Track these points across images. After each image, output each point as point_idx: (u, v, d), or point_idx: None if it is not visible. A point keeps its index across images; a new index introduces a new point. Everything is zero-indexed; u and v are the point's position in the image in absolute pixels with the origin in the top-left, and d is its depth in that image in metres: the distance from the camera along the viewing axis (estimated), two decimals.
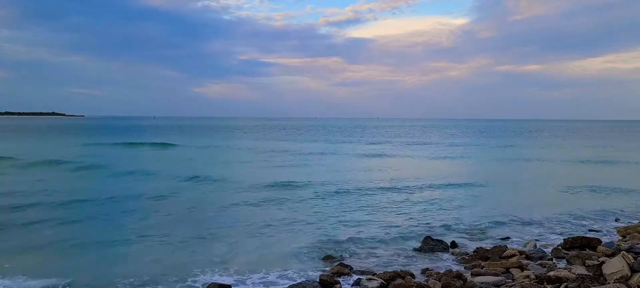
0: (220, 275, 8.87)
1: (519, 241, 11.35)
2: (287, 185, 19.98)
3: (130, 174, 23.64)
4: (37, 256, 9.88)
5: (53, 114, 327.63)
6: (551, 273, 7.99)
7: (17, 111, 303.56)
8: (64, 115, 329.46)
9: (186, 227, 12.42)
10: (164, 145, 45.99)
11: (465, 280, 8.08)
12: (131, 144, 46.99)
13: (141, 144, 47.20)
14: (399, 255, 10.26)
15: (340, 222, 13.22)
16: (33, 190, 17.82)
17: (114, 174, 23.82)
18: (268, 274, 8.93)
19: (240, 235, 11.70)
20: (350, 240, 11.31)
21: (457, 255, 10.14)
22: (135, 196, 16.92)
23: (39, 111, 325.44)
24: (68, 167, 26.51)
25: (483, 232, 12.26)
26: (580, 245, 10.04)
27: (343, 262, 9.51)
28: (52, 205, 14.98)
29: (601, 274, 8.03)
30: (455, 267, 9.18)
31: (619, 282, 7.42)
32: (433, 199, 16.98)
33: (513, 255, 9.38)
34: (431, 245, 10.64)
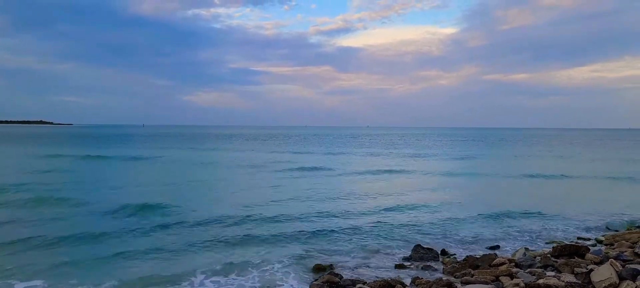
0: (208, 284, 8.81)
1: (509, 249, 11.39)
2: (275, 196, 19.90)
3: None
4: None
5: (40, 122, 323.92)
6: (540, 282, 8.02)
7: (3, 119, 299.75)
8: (51, 123, 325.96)
9: (169, 240, 12.27)
10: (135, 158, 39.92)
11: None
12: (97, 156, 40.56)
13: (101, 156, 40.63)
14: (389, 264, 10.24)
15: (330, 231, 13.16)
16: None
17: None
18: (257, 284, 8.87)
19: (228, 244, 11.60)
20: (340, 249, 11.27)
21: (447, 263, 10.13)
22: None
23: (25, 119, 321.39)
24: None
25: (473, 240, 12.29)
26: (568, 253, 10.09)
27: (333, 271, 9.47)
28: None
29: (590, 282, 8.08)
30: (445, 276, 9.17)
31: None
32: (423, 208, 17.00)
33: (502, 263, 9.41)
34: (421, 253, 10.64)
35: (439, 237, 12.63)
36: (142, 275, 9.23)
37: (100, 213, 15.30)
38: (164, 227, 13.39)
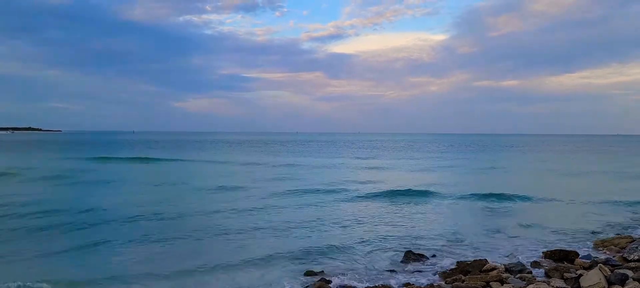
0: None
1: (500, 254, 11.42)
2: (270, 202, 19.81)
3: None
4: None
5: (29, 129, 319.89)
6: (530, 287, 8.05)
7: None
8: (40, 129, 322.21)
9: (161, 247, 12.17)
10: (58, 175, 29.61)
11: None
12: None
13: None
14: (380, 269, 10.21)
15: (321, 236, 13.14)
16: None
17: None
18: None
19: (218, 249, 11.53)
20: (332, 254, 11.23)
21: (438, 268, 10.14)
22: None
23: (14, 126, 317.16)
24: None
25: (464, 246, 12.31)
26: (558, 258, 10.15)
27: (324, 277, 9.43)
28: None
29: (579, 287, 8.12)
30: (436, 281, 9.17)
31: None
32: (414, 213, 17.03)
33: (493, 269, 9.43)
34: (412, 259, 10.64)
35: (430, 242, 12.62)
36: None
37: None
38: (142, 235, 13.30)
